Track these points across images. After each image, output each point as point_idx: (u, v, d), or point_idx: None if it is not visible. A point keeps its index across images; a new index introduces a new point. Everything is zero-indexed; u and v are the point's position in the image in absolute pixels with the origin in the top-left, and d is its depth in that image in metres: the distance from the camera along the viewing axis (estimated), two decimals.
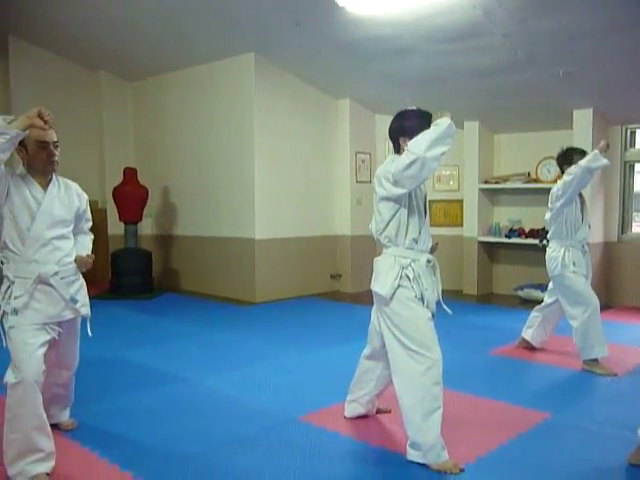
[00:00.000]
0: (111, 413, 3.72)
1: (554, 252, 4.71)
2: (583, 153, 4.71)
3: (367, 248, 7.97)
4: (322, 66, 7.41)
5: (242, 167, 7.65)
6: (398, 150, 3.10)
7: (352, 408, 3.52)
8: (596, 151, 4.52)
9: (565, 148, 4.85)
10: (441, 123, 2.84)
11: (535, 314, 5.12)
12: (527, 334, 5.15)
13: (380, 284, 3.07)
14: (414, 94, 7.58)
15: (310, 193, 8.14)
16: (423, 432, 2.91)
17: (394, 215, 3.04)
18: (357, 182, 8.38)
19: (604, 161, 4.53)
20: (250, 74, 7.46)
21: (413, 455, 2.96)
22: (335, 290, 8.44)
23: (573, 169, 4.49)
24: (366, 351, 3.43)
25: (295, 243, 7.94)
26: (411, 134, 2.95)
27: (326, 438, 3.30)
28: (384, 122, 8.48)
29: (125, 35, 7.43)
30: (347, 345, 5.07)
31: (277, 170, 7.70)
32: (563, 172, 4.70)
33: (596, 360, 4.54)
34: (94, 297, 7.69)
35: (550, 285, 4.95)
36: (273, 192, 7.69)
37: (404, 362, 3.00)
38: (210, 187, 8.13)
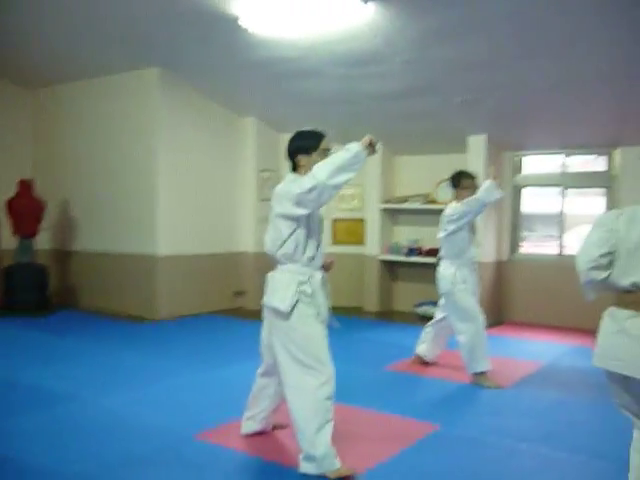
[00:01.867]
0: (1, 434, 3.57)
1: (445, 270, 4.94)
2: (472, 177, 5.00)
3: (271, 265, 8.01)
4: (228, 84, 7.46)
5: (144, 182, 7.54)
6: (295, 168, 3.17)
7: (248, 425, 3.54)
8: (490, 182, 4.80)
9: (457, 171, 5.12)
10: (350, 149, 2.89)
11: (427, 330, 5.34)
12: (421, 349, 5.35)
13: (279, 299, 3.12)
14: (319, 115, 7.73)
15: (214, 210, 8.13)
16: (316, 444, 2.98)
17: (292, 233, 3.09)
18: (261, 200, 8.45)
19: (498, 195, 4.88)
20: (155, 88, 7.39)
21: (307, 467, 3.02)
22: (239, 307, 8.43)
23: (472, 201, 4.76)
24: (260, 369, 3.47)
25: (198, 259, 7.89)
26: (306, 152, 3.08)
27: (222, 455, 3.31)
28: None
29: (26, 43, 7.17)
30: (247, 362, 5.03)
31: (181, 186, 7.64)
32: (454, 192, 5.00)
33: (483, 373, 4.78)
34: None
35: (441, 301, 5.18)
36: (176, 208, 7.62)
37: (298, 377, 3.06)
38: (111, 201, 7.94)
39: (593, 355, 2.49)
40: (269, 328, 3.27)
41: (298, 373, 3.06)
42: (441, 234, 5.00)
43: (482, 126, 7.19)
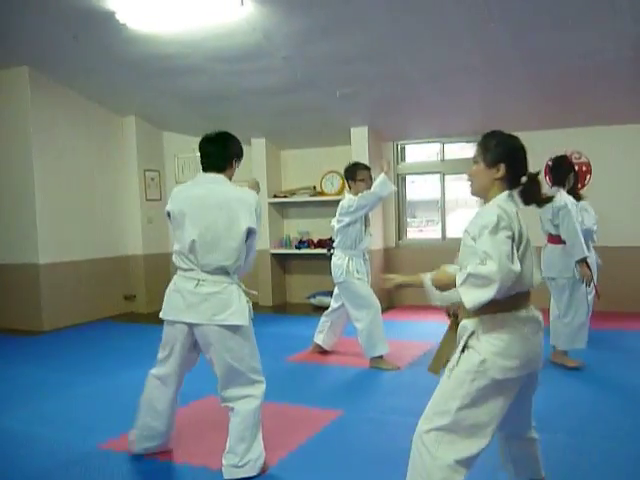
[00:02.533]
0: None
1: (339, 260, 5.07)
2: (367, 168, 5.14)
3: (161, 267, 7.88)
4: (104, 82, 7.20)
5: (20, 188, 7.13)
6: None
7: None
8: (384, 176, 4.96)
9: (351, 163, 5.25)
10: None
11: (324, 319, 5.45)
12: (319, 339, 5.46)
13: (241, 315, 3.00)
14: (202, 112, 7.67)
15: (99, 213, 7.83)
16: (255, 449, 3.01)
17: None
18: (147, 200, 8.25)
19: (392, 188, 5.10)
20: (24, 89, 6.98)
21: (243, 471, 2.96)
22: (129, 311, 8.20)
23: (368, 195, 4.91)
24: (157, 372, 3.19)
25: (85, 265, 7.58)
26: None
27: (129, 463, 3.24)
28: (172, 139, 8.60)
29: None
30: (144, 367, 4.97)
31: (61, 190, 7.30)
32: (349, 184, 5.11)
33: (381, 357, 4.96)
34: None
35: (335, 291, 5.31)
36: (58, 214, 7.28)
37: (246, 390, 3.03)
38: None
39: None
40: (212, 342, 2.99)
41: (247, 385, 3.08)
42: (336, 225, 5.10)
43: (363, 118, 7.40)
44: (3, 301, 7.35)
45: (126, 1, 5.14)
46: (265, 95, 6.88)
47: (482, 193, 2.35)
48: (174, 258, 3.07)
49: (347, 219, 5.00)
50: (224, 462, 2.97)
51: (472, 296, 2.06)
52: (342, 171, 7.77)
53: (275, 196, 8.36)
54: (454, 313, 2.36)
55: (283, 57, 5.96)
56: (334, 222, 5.14)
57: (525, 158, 2.33)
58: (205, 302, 2.93)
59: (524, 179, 2.31)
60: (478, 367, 2.15)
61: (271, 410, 4.01)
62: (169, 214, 3.09)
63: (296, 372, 4.99)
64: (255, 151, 8.29)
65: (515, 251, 2.10)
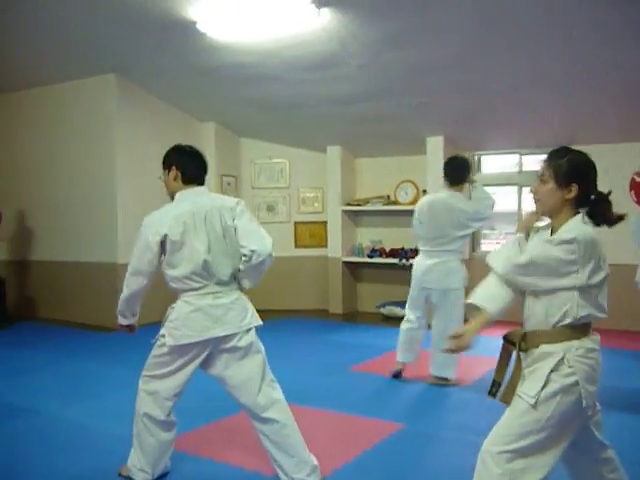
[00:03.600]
0: None
1: (459, 265, 4.84)
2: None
3: None
4: (186, 89, 7.43)
5: (103, 189, 7.45)
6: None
7: None
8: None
9: (463, 162, 5.00)
10: None
11: (412, 335, 4.98)
12: (408, 358, 5.01)
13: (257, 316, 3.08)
14: (278, 119, 7.78)
15: None
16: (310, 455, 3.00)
17: None
18: None
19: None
20: (111, 94, 7.31)
21: (314, 479, 2.96)
22: None
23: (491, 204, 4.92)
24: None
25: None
26: None
27: (185, 462, 3.29)
28: (249, 145, 8.75)
29: None
30: None
31: (142, 193, 7.54)
32: (460, 186, 4.89)
33: (446, 379, 4.81)
34: None
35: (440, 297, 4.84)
36: (137, 215, 7.40)
37: (275, 392, 3.01)
38: (69, 210, 7.83)
39: None
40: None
41: (277, 389, 3.05)
42: (459, 232, 4.80)
43: (439, 127, 7.29)
44: (84, 298, 7.68)
45: (207, 12, 5.29)
46: (341, 103, 6.90)
47: (551, 214, 2.26)
48: (176, 284, 2.95)
49: (479, 225, 5.09)
50: (296, 476, 2.93)
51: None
52: (416, 181, 7.82)
53: (349, 204, 8.36)
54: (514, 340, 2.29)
55: (359, 66, 5.96)
56: (452, 229, 4.78)
57: (596, 176, 2.23)
58: (230, 311, 2.93)
59: (592, 197, 2.22)
60: (566, 392, 2.11)
61: (330, 419, 4.01)
62: (163, 240, 2.90)
63: (359, 382, 4.95)
64: (330, 159, 8.32)
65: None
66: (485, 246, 8.27)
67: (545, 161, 2.26)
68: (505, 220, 11.89)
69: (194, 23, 5.46)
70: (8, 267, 8.53)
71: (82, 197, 7.68)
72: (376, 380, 4.99)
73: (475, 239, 8.05)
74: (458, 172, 4.89)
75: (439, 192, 5.02)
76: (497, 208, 10.55)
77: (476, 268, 7.90)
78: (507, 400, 2.25)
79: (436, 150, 7.45)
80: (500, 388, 2.29)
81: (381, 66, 5.96)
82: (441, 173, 7.20)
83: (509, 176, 7.96)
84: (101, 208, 7.49)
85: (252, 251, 2.87)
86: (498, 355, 2.32)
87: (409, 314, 5.00)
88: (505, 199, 9.51)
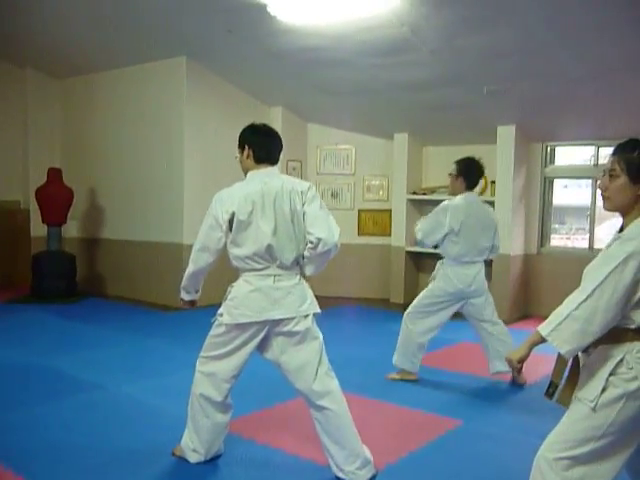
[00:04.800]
0: (23, 423, 3.61)
1: (483, 270, 4.66)
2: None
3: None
4: (255, 73, 7.43)
5: (171, 171, 7.57)
6: None
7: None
8: None
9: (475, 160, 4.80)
10: None
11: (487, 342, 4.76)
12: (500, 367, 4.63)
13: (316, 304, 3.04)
14: (346, 105, 7.70)
15: None
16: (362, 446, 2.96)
17: None
18: None
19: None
20: (181, 78, 7.40)
21: (365, 473, 2.92)
22: None
23: None
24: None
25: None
26: None
27: (241, 445, 3.30)
28: (316, 131, 8.71)
29: (54, 32, 7.23)
30: None
31: (208, 175, 7.63)
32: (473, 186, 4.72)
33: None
34: (13, 301, 7.55)
35: (478, 302, 4.63)
36: (203, 197, 7.54)
37: (332, 382, 2.96)
38: (138, 190, 8.00)
39: None
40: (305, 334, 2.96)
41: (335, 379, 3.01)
42: (491, 233, 4.66)
43: (511, 116, 7.05)
44: (150, 277, 7.84)
45: None
46: (410, 90, 6.75)
47: (622, 212, 2.11)
48: (238, 263, 2.93)
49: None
50: (346, 468, 2.89)
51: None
52: (485, 171, 7.60)
53: (414, 193, 8.21)
54: None
55: (430, 51, 5.81)
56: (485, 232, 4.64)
57: None
58: (289, 295, 2.91)
59: None
60: (630, 397, 1.98)
61: (387, 411, 3.95)
62: (231, 218, 2.88)
63: (421, 375, 4.83)
64: (397, 146, 8.19)
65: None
66: (555, 241, 7.98)
67: (614, 154, 2.09)
68: (576, 215, 11.49)
69: (265, 6, 5.43)
70: (79, 244, 8.80)
71: (150, 178, 7.83)
72: (435, 373, 4.88)
73: (544, 234, 7.78)
74: (477, 176, 4.71)
75: (465, 196, 4.63)
76: (568, 202, 10.21)
77: (544, 264, 7.68)
78: (564, 402, 2.14)
79: (507, 140, 7.20)
80: (557, 389, 2.17)
81: (453, 51, 5.78)
82: (512, 163, 7.04)
83: (584, 169, 7.64)
84: (169, 189, 7.61)
85: (319, 239, 2.83)
86: (556, 355, 2.19)
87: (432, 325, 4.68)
88: (577, 193, 9.17)
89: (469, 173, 4.64)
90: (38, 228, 8.41)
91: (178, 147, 7.49)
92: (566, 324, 2.06)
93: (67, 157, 8.95)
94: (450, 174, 4.72)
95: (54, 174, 8.01)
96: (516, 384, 4.58)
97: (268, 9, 5.47)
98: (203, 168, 7.60)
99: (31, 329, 6.25)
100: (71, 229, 8.75)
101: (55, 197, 7.94)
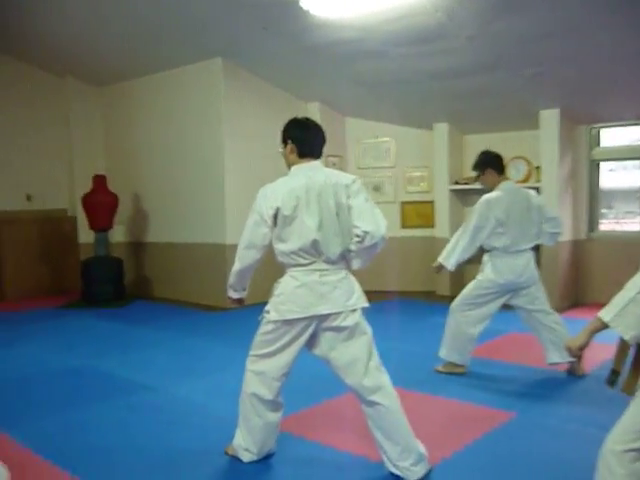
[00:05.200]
0: (75, 424, 3.68)
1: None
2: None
3: None
4: (290, 69, 7.42)
5: (212, 172, 7.63)
6: None
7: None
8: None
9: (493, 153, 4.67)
10: None
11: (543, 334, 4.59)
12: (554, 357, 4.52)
13: (364, 298, 3.01)
14: (383, 97, 7.62)
15: None
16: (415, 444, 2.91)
17: None
18: None
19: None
20: (218, 78, 7.44)
21: (420, 469, 2.87)
22: None
23: None
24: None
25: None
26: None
27: (292, 443, 3.28)
28: (354, 125, 8.66)
29: (93, 41, 7.35)
30: None
31: (248, 174, 7.66)
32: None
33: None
34: (65, 306, 7.72)
35: (530, 293, 4.50)
36: (244, 197, 7.59)
37: (383, 377, 2.92)
38: (180, 193, 8.08)
39: None
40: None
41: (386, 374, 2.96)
42: (536, 217, 4.51)
43: (554, 99, 6.86)
44: (195, 278, 7.92)
45: None
46: (447, 77, 6.63)
47: None
48: (284, 258, 2.91)
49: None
50: (400, 464, 2.84)
51: None
52: (529, 157, 7.44)
53: (456, 183, 8.09)
54: None
55: (467, 37, 5.69)
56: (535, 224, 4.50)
57: None
58: (336, 290, 2.87)
59: None
60: None
61: (439, 404, 3.89)
62: (276, 214, 2.84)
63: (469, 366, 4.75)
64: (437, 136, 8.08)
65: None
66: (603, 226, 7.75)
67: None
68: (624, 198, 11.13)
69: (297, 1, 5.41)
70: (125, 249, 8.94)
71: (192, 180, 7.90)
72: (484, 365, 4.78)
73: (592, 219, 7.57)
74: (498, 159, 4.58)
75: (503, 186, 4.50)
76: (616, 185, 9.89)
77: (594, 250, 7.47)
78: (628, 390, 2.05)
79: (551, 124, 7.02)
80: (620, 377, 2.08)
81: (492, 36, 5.65)
82: (557, 148, 6.85)
83: (632, 149, 7.40)
84: (210, 190, 7.67)
85: (365, 232, 2.79)
86: (617, 342, 2.11)
87: (482, 317, 4.57)
88: (625, 175, 8.89)
89: (491, 162, 4.55)
90: (85, 235, 8.58)
91: (218, 148, 7.54)
92: (630, 308, 1.98)
93: (111, 163, 9.10)
94: (477, 176, 4.67)
95: (99, 181, 8.15)
96: (573, 374, 4.45)
97: (300, 4, 5.44)
98: (243, 167, 7.63)
99: (82, 333, 6.37)
100: (117, 234, 8.90)
101: (101, 203, 8.08)
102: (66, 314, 7.34)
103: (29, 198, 8.80)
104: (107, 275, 8.05)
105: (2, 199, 8.53)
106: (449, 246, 4.54)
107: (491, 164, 4.53)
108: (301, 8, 5.50)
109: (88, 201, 8.06)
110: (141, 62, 7.93)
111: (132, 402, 4.06)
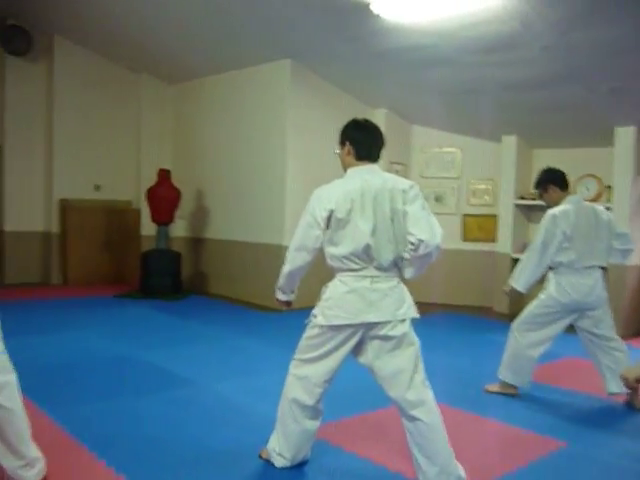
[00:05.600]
0: (115, 413, 3.71)
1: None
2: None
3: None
4: (358, 74, 7.35)
5: (274, 173, 7.64)
6: None
7: None
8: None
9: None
10: None
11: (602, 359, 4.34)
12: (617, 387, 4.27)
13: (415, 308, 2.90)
14: (451, 106, 7.46)
15: None
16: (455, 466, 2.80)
17: None
18: None
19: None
20: (285, 80, 7.45)
21: None
22: None
23: None
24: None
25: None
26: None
27: (321, 451, 3.21)
28: (420, 133, 8.53)
29: (167, 39, 7.52)
30: None
31: (309, 177, 7.61)
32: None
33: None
34: (123, 295, 7.89)
35: (594, 315, 4.26)
36: (304, 199, 7.49)
37: (425, 391, 2.80)
38: (242, 191, 8.13)
39: None
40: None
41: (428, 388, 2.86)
42: (606, 233, 4.27)
43: (631, 116, 6.55)
44: (251, 277, 7.94)
45: None
46: (519, 89, 6.43)
47: None
48: (334, 262, 2.83)
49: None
50: None
51: None
52: (600, 175, 7.13)
53: (522, 198, 7.84)
54: None
55: (542, 47, 5.49)
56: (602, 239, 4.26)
57: None
58: (386, 298, 2.76)
59: None
60: None
61: (482, 427, 3.73)
62: (329, 216, 2.77)
63: (522, 389, 4.55)
64: (505, 149, 7.86)
65: None
66: None
67: None
68: None
69: (368, 4, 5.34)
70: (185, 243, 9.07)
71: (253, 180, 7.94)
72: (538, 389, 4.56)
73: None
74: (563, 175, 4.36)
75: (569, 200, 4.26)
76: None
77: None
78: None
79: (626, 142, 6.71)
80: None
81: (568, 47, 5.44)
82: (632, 167, 6.53)
83: None
84: (271, 191, 7.68)
85: (420, 240, 2.68)
86: None
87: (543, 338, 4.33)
88: None
89: (553, 179, 4.34)
90: (148, 227, 8.75)
91: (281, 149, 7.54)
92: None
93: (176, 159, 9.27)
94: (541, 193, 4.43)
95: (163, 175, 8.29)
96: (632, 406, 4.20)
97: (371, 7, 5.38)
98: (305, 170, 7.61)
99: (136, 323, 6.48)
100: (178, 228, 9.04)
101: (164, 197, 8.22)
102: (123, 303, 7.50)
103: (97, 188, 9.06)
104: (165, 268, 8.18)
105: (73, 187, 8.83)
106: (518, 267, 4.35)
107: (553, 181, 4.33)
108: (371, 12, 5.43)
109: (152, 194, 8.21)
110: (213, 61, 8.04)
111: (174, 396, 4.07)
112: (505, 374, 4.39)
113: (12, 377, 2.64)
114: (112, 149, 9.13)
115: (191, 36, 7.26)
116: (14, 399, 2.63)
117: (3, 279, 8.49)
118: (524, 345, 4.32)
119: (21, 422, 2.65)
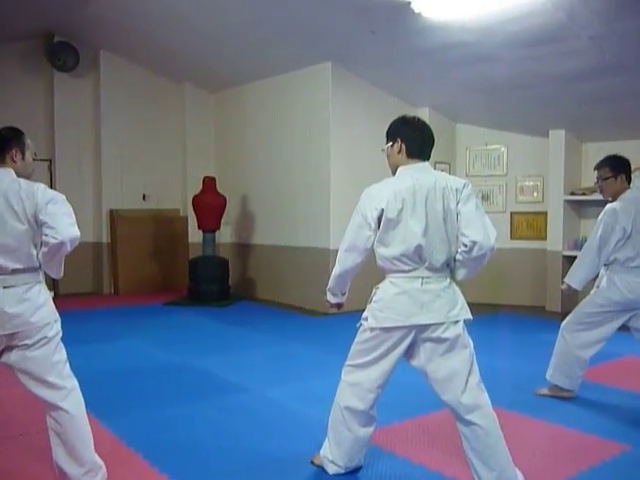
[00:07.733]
0: (168, 420, 3.74)
1: None
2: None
3: None
4: (399, 74, 7.29)
5: (318, 177, 7.63)
6: None
7: None
8: None
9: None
10: None
11: None
12: None
13: (467, 309, 2.82)
14: (496, 102, 7.33)
15: None
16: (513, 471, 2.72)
17: None
18: None
19: None
20: (327, 83, 7.44)
21: None
22: None
23: None
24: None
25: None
26: None
27: (396, 463, 3.16)
28: (464, 131, 8.39)
29: (208, 48, 7.61)
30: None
31: (353, 180, 7.58)
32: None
33: None
34: (172, 303, 7.98)
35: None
36: (349, 201, 7.51)
37: (482, 396, 2.73)
38: (287, 196, 8.14)
39: None
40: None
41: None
42: None
43: None
44: (298, 282, 7.94)
45: None
46: (566, 81, 6.27)
47: None
48: (385, 263, 2.77)
49: None
50: None
51: None
52: None
53: (572, 193, 7.64)
54: None
55: (590, 37, 5.34)
56: None
57: None
58: (438, 299, 2.69)
59: None
60: None
61: (540, 431, 3.62)
62: (380, 216, 2.71)
63: (580, 391, 4.40)
64: (553, 143, 7.67)
65: None
66: None
67: None
68: None
69: (408, 3, 5.29)
70: (232, 249, 9.15)
71: (299, 184, 7.95)
72: (595, 390, 4.42)
73: None
74: (630, 168, 4.14)
75: (632, 192, 4.09)
76: None
77: None
78: None
79: None
80: None
81: (617, 36, 5.27)
82: None
83: None
84: (316, 194, 7.67)
85: (474, 242, 2.61)
86: None
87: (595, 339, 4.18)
88: None
89: (625, 168, 4.13)
90: (195, 234, 8.84)
91: (324, 152, 7.53)
92: None
93: (220, 166, 9.35)
94: (606, 178, 4.18)
95: (209, 182, 8.37)
96: None
97: (412, 6, 5.32)
98: (349, 172, 7.58)
99: (185, 330, 6.55)
100: (225, 235, 9.11)
101: (209, 204, 8.30)
102: (172, 310, 7.59)
103: (145, 198, 9.21)
104: (213, 274, 8.25)
105: (122, 198, 8.99)
106: (575, 264, 4.21)
107: (625, 170, 4.13)
108: (412, 10, 5.37)
109: (198, 202, 8.30)
110: (254, 68, 8.09)
111: (225, 402, 4.08)
112: (555, 376, 4.25)
113: (76, 384, 2.70)
114: (158, 159, 9.27)
115: (231, 45, 7.32)
116: (79, 405, 2.69)
117: (58, 290, 8.69)
118: (574, 346, 4.18)
119: (85, 428, 2.70)
